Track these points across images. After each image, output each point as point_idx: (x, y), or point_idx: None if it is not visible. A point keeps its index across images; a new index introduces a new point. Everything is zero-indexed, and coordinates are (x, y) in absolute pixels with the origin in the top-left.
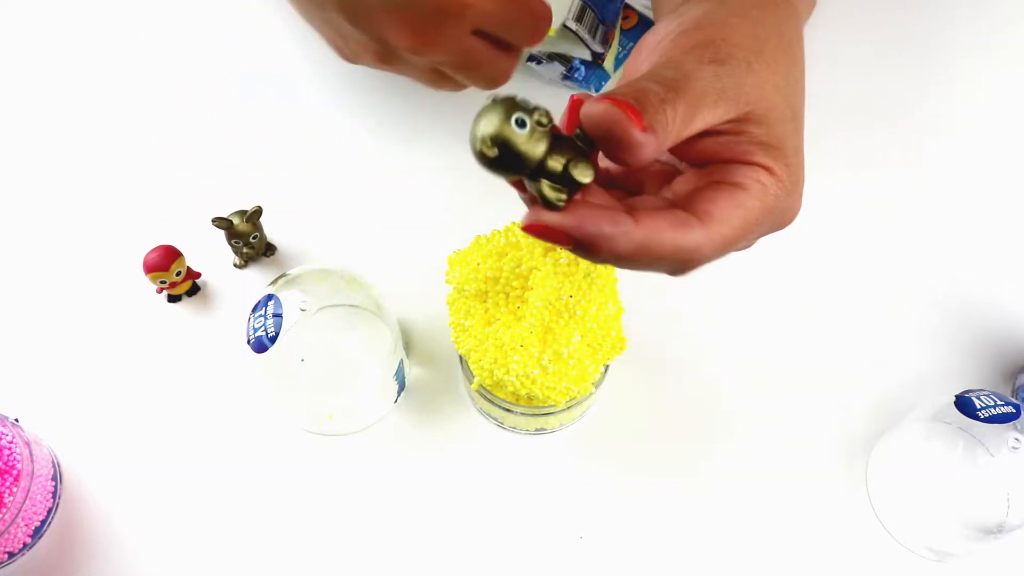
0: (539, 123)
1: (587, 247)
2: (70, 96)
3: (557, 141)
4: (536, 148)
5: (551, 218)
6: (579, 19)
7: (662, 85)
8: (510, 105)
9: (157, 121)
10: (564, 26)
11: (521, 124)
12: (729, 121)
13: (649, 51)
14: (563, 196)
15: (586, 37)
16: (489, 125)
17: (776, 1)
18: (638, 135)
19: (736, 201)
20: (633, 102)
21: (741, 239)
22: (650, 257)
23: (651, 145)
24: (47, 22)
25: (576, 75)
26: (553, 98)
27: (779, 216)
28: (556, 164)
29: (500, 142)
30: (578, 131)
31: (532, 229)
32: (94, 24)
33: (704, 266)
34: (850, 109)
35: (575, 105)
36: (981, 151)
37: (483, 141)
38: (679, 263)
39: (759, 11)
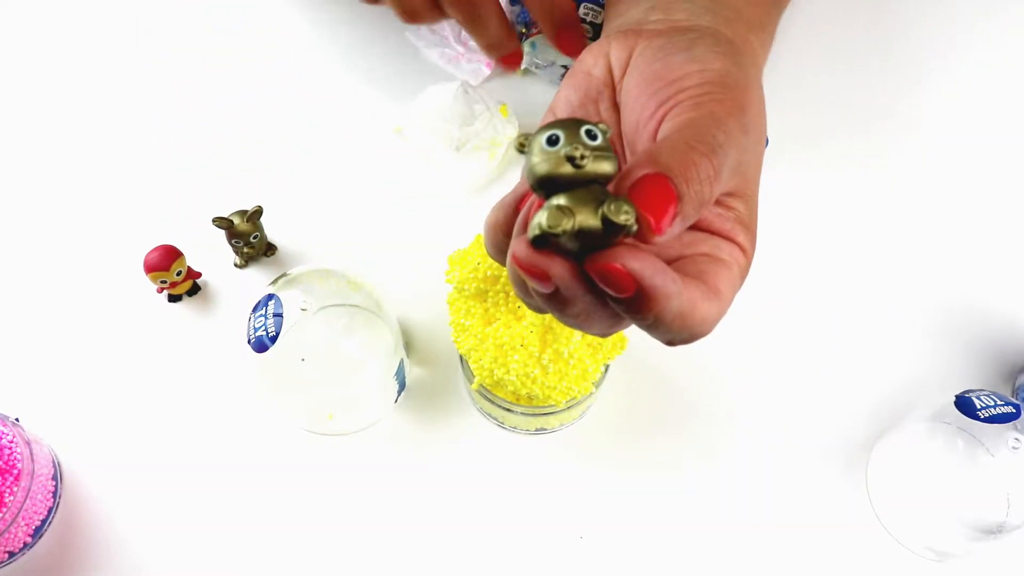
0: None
1: (643, 302)
2: (70, 96)
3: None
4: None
5: (636, 261)
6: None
7: (711, 154)
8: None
9: (157, 121)
10: None
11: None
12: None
13: (661, 84)
14: (631, 219)
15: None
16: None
17: (755, 62)
18: (665, 224)
19: (730, 280)
20: (674, 184)
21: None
22: (679, 325)
23: (676, 231)
24: (47, 22)
25: None
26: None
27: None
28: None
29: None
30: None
31: (611, 272)
32: (94, 24)
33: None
34: (849, 109)
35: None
36: (982, 152)
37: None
38: (690, 335)
39: (755, 71)
